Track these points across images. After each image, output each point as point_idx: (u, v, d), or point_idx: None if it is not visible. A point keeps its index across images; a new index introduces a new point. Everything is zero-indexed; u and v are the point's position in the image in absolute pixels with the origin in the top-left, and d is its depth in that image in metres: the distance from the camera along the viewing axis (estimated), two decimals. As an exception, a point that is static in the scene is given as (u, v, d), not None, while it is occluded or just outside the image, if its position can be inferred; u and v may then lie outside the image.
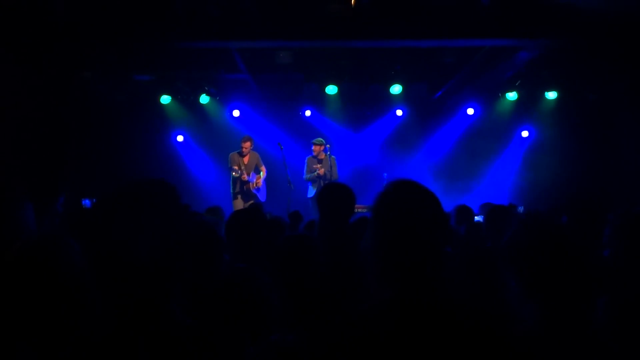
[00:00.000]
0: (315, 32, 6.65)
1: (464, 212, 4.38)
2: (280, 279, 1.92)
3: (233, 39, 6.87)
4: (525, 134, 10.03)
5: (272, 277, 1.71)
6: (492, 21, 6.47)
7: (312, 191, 8.30)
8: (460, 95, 9.74)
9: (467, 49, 7.77)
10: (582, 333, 1.44)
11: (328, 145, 8.31)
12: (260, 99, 9.79)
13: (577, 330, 1.43)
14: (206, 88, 9.14)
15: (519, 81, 9.03)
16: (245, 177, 8.10)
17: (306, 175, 8.39)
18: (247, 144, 8.25)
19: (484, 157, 10.16)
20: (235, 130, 9.55)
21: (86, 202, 6.90)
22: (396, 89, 8.81)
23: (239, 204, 8.13)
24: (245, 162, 8.26)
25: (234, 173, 8.11)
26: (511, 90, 9.22)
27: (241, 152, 8.26)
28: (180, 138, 10.03)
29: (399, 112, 9.90)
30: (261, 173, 8.40)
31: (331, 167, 8.13)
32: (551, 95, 9.20)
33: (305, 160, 8.45)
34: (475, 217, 4.69)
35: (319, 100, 9.64)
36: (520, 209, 6.56)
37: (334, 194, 2.96)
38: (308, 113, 9.86)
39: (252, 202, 7.93)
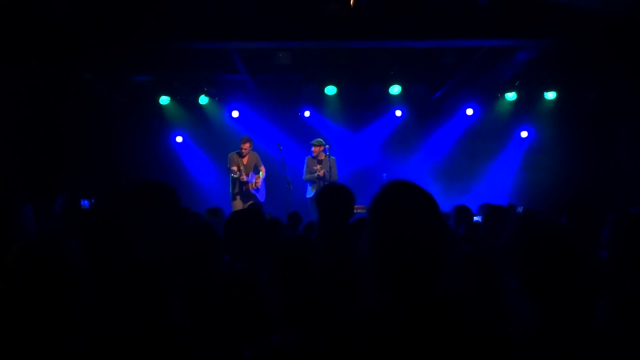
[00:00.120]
0: (314, 32, 6.66)
1: (463, 213, 4.38)
2: (277, 280, 1.92)
3: (232, 40, 6.88)
4: (524, 134, 10.03)
5: (270, 277, 1.71)
6: (491, 21, 6.48)
7: (311, 192, 8.29)
8: (460, 95, 9.75)
9: (466, 50, 7.78)
10: (580, 333, 1.44)
11: (327, 146, 8.31)
12: (259, 100, 9.79)
13: (575, 330, 1.43)
14: (205, 89, 9.15)
15: (518, 81, 9.05)
16: (244, 177, 8.09)
17: (305, 176, 8.38)
18: (247, 145, 8.25)
19: (483, 158, 10.16)
20: (234, 131, 9.54)
21: (85, 203, 6.89)
22: (395, 89, 8.82)
23: (238, 204, 8.13)
24: (245, 162, 8.26)
25: (233, 174, 8.10)
26: (510, 91, 9.23)
27: (240, 153, 8.25)
28: (179, 139, 10.02)
29: (398, 113, 9.90)
30: (260, 173, 8.40)
31: (330, 167, 8.13)
32: (550, 95, 9.21)
33: (305, 161, 8.45)
34: (475, 217, 4.69)
35: (318, 101, 9.64)
36: (520, 209, 6.56)
37: (334, 196, 2.96)
38: (307, 114, 9.85)
39: (251, 202, 7.93)
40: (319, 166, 8.22)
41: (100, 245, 1.20)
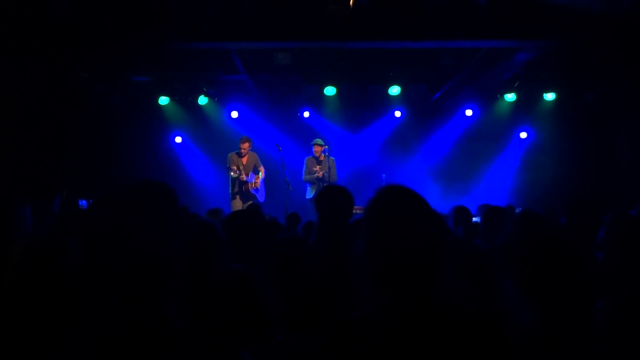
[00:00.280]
0: (314, 32, 6.65)
1: (462, 213, 4.38)
2: (273, 280, 1.91)
3: (231, 40, 6.87)
4: (523, 135, 10.04)
5: (266, 278, 1.71)
6: (490, 22, 6.48)
7: (310, 193, 8.29)
8: (459, 96, 9.75)
9: (465, 50, 7.78)
10: (577, 334, 1.43)
11: (327, 147, 8.30)
12: (258, 100, 9.79)
13: (572, 330, 1.43)
14: (204, 89, 9.15)
15: (517, 82, 9.05)
16: (243, 177, 8.09)
17: (305, 177, 8.38)
18: (246, 145, 8.25)
19: (482, 159, 10.16)
20: (233, 131, 9.54)
21: (83, 203, 6.89)
22: (394, 90, 8.82)
23: (237, 204, 8.13)
24: (244, 162, 8.26)
25: (232, 173, 8.10)
26: (509, 92, 9.23)
27: (240, 153, 8.26)
28: (178, 139, 10.02)
29: (398, 114, 9.90)
30: (260, 173, 8.40)
31: (330, 168, 8.13)
32: (549, 96, 9.21)
33: (304, 161, 8.45)
34: (473, 218, 4.69)
35: (317, 102, 9.64)
36: (519, 210, 6.56)
37: (333, 197, 2.95)
38: (306, 114, 9.85)
39: (250, 202, 7.92)
40: (318, 167, 8.22)
41: (98, 245, 1.19)
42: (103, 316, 1.19)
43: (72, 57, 6.99)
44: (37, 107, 6.95)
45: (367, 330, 1.27)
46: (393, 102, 9.59)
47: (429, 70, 8.74)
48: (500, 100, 9.52)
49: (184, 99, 9.37)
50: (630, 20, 6.22)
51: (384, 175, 8.64)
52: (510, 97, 9.28)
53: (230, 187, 8.32)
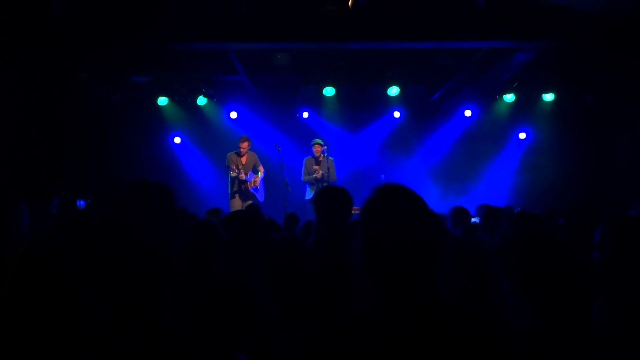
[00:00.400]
0: (313, 33, 6.65)
1: (461, 214, 4.38)
2: (269, 281, 1.91)
3: (230, 40, 6.87)
4: (522, 135, 10.04)
5: (262, 279, 1.70)
6: (489, 23, 6.49)
7: (310, 193, 8.28)
8: (458, 97, 9.76)
9: (464, 51, 7.78)
10: (574, 334, 1.43)
11: (326, 147, 8.30)
12: (257, 101, 9.78)
13: (568, 331, 1.43)
14: (203, 90, 9.14)
15: (516, 83, 9.05)
16: (242, 176, 8.09)
17: (304, 177, 8.38)
18: (245, 144, 8.25)
19: (481, 159, 10.17)
20: (232, 132, 9.53)
21: (81, 204, 6.88)
22: (394, 90, 8.82)
23: (236, 203, 8.13)
24: (243, 162, 8.26)
25: (231, 172, 8.10)
26: (508, 92, 9.23)
27: (239, 152, 8.26)
28: (177, 140, 10.01)
29: (397, 114, 9.90)
30: (259, 173, 8.40)
31: (329, 168, 8.12)
32: (548, 97, 9.21)
33: (303, 162, 8.44)
34: (472, 218, 4.69)
35: (316, 102, 9.64)
36: (518, 211, 6.56)
37: (332, 197, 2.94)
38: (305, 115, 9.85)
39: (250, 202, 7.92)
40: (317, 167, 8.21)
41: (95, 246, 1.19)
42: (101, 318, 1.19)
43: (72, 57, 6.98)
44: (36, 107, 6.94)
45: (364, 330, 1.27)
46: (392, 103, 9.59)
47: (428, 71, 8.74)
48: (499, 100, 9.52)
49: (183, 100, 9.36)
50: (629, 21, 6.22)
51: (383, 175, 8.64)
52: (509, 97, 9.28)
53: (229, 186, 8.32)
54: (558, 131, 9.62)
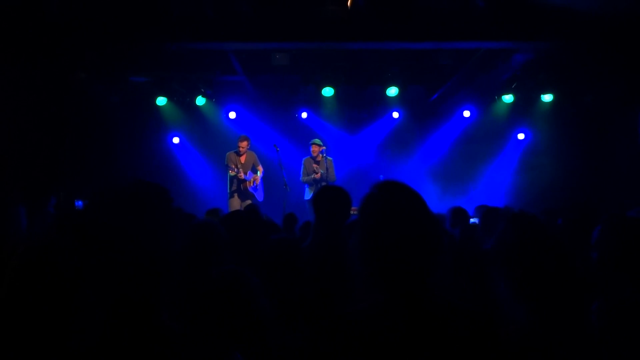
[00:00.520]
0: (311, 33, 6.65)
1: (459, 214, 4.38)
2: (266, 281, 1.91)
3: (229, 40, 6.87)
4: (521, 136, 10.05)
5: (259, 279, 1.70)
6: (488, 23, 6.49)
7: (309, 193, 8.27)
8: (457, 97, 9.77)
9: (463, 51, 7.78)
10: (571, 333, 1.43)
11: (324, 147, 8.30)
12: (256, 101, 9.78)
13: (566, 330, 1.43)
14: (202, 90, 9.13)
15: (515, 83, 9.05)
16: (241, 175, 8.08)
17: (303, 177, 8.37)
18: (244, 143, 8.25)
19: (480, 160, 10.18)
20: (231, 132, 9.53)
21: (79, 204, 6.87)
22: (392, 91, 8.82)
23: (235, 202, 8.12)
24: (242, 161, 8.26)
25: (230, 171, 8.10)
26: (507, 93, 9.23)
27: (238, 152, 8.25)
28: (176, 140, 10.01)
29: (396, 115, 9.91)
30: (258, 172, 8.40)
31: (327, 168, 8.12)
32: (547, 97, 9.22)
33: (302, 162, 8.44)
34: (471, 219, 4.69)
35: (315, 102, 9.64)
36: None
37: (330, 197, 2.94)
38: (304, 115, 9.85)
39: (249, 201, 7.92)
40: (316, 166, 8.21)
41: (92, 246, 1.19)
42: (99, 318, 1.19)
43: (70, 57, 6.97)
44: (35, 106, 6.93)
45: (360, 328, 1.27)
46: (391, 103, 9.59)
47: (427, 71, 8.74)
48: (498, 101, 9.52)
49: (182, 100, 9.35)
50: (628, 21, 6.23)
51: (381, 176, 8.64)
52: (508, 98, 9.28)
53: (228, 186, 8.31)
54: (557, 132, 9.63)
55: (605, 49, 6.87)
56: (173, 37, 6.59)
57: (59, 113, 7.62)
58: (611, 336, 1.63)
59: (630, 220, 1.99)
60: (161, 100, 9.21)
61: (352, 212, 3.07)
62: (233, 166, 8.08)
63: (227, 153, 8.30)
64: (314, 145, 8.28)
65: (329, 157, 8.28)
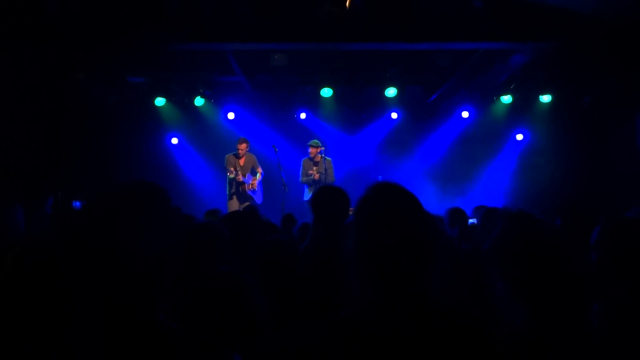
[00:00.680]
0: (310, 34, 6.65)
1: (457, 215, 4.38)
2: (262, 282, 1.90)
3: (227, 41, 6.86)
4: (519, 137, 10.06)
5: (256, 280, 1.70)
6: (487, 24, 6.49)
7: (308, 194, 8.27)
8: (455, 98, 9.77)
9: (461, 52, 7.79)
10: (569, 334, 1.43)
11: (323, 148, 8.29)
12: (255, 102, 9.78)
13: (564, 331, 1.43)
14: (201, 90, 9.13)
15: (513, 84, 9.07)
16: (240, 177, 8.08)
17: (302, 178, 8.37)
18: (243, 146, 8.25)
19: (478, 160, 10.19)
20: (230, 132, 9.53)
21: (77, 204, 6.86)
22: (391, 91, 8.82)
23: (234, 204, 8.12)
24: (242, 163, 8.25)
25: (229, 174, 8.10)
26: (506, 94, 9.25)
27: (237, 154, 8.25)
28: (174, 140, 10.00)
29: (394, 115, 9.92)
30: (257, 175, 8.39)
31: (326, 169, 8.11)
32: (545, 98, 9.24)
33: (301, 163, 8.44)
34: (470, 219, 4.69)
35: (314, 103, 9.64)
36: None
37: (329, 198, 2.93)
38: (303, 116, 9.85)
39: (247, 203, 7.91)
40: (315, 168, 8.20)
41: (89, 246, 1.18)
42: (95, 319, 1.18)
43: (68, 57, 6.96)
44: (33, 106, 6.92)
45: (356, 329, 1.26)
46: (389, 104, 9.60)
47: (426, 72, 8.74)
48: (496, 102, 9.54)
49: (180, 100, 9.35)
50: (626, 22, 6.24)
51: (380, 176, 8.65)
52: (507, 99, 9.30)
53: (227, 188, 8.31)
54: (555, 132, 9.64)
55: (603, 50, 6.88)
56: (172, 37, 6.58)
57: (57, 113, 7.61)
58: (611, 337, 1.63)
59: (630, 221, 1.99)
60: (160, 101, 9.21)
61: (350, 213, 3.07)
62: (232, 169, 8.08)
63: (226, 155, 8.30)
64: (311, 147, 8.28)
65: (328, 158, 8.27)
